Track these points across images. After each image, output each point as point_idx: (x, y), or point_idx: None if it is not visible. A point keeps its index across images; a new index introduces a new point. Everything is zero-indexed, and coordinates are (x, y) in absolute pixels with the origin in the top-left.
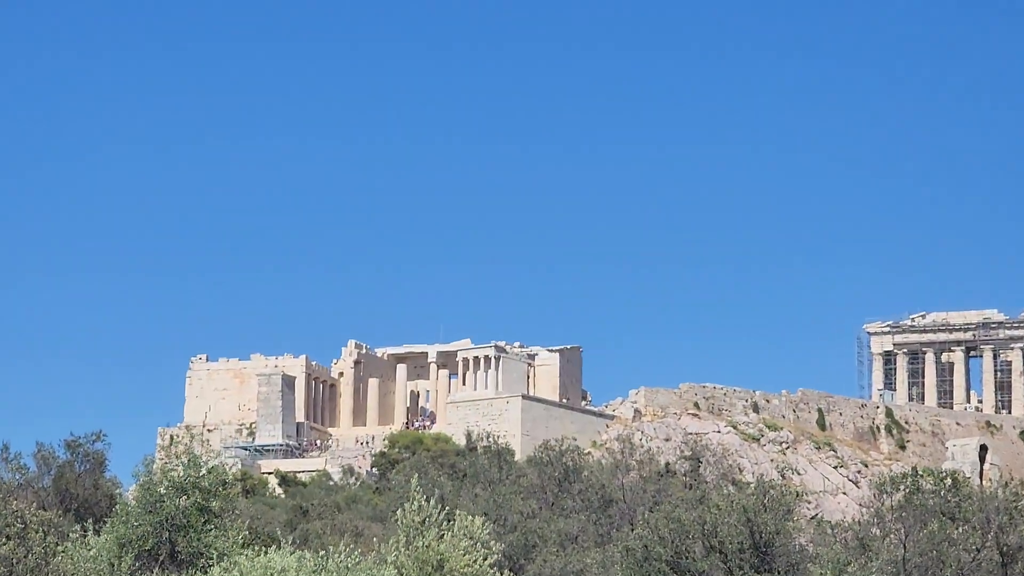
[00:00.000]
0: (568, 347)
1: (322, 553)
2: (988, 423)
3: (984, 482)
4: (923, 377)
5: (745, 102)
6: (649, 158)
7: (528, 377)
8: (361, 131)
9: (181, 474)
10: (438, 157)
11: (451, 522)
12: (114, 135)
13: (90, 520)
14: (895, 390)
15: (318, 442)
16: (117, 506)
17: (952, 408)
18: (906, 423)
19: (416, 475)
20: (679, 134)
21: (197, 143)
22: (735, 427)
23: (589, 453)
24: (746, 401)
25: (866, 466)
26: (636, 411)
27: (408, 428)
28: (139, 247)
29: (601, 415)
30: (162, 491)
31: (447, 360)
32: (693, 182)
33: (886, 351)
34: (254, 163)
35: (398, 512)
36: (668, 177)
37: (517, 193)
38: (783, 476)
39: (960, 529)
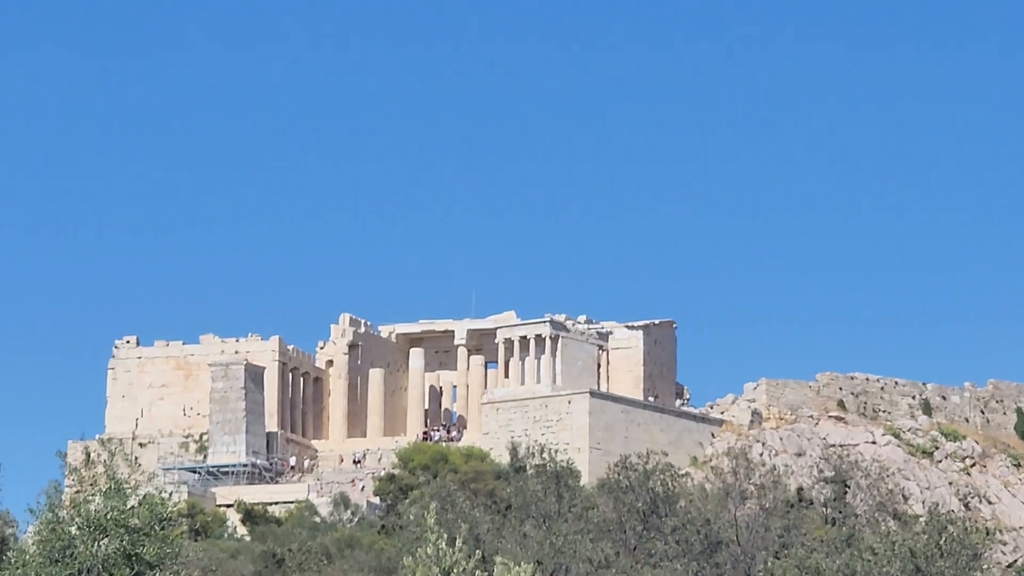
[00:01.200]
0: (656, 322)
1: None
2: None
3: None
4: None
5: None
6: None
7: (599, 366)
8: (362, 29)
9: (101, 507)
10: (465, 62)
11: (488, 572)
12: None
13: None
14: None
15: (294, 460)
16: (11, 553)
17: None
18: None
19: (434, 506)
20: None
21: (130, 47)
22: (897, 436)
23: (687, 474)
24: (913, 398)
25: None
26: (755, 413)
27: (427, 440)
28: (43, 192)
29: (704, 419)
30: (74, 531)
31: (482, 342)
32: (839, 101)
33: None
34: (208, 73)
35: (406, 560)
36: (802, 93)
37: (577, 109)
38: (967, 506)
39: None
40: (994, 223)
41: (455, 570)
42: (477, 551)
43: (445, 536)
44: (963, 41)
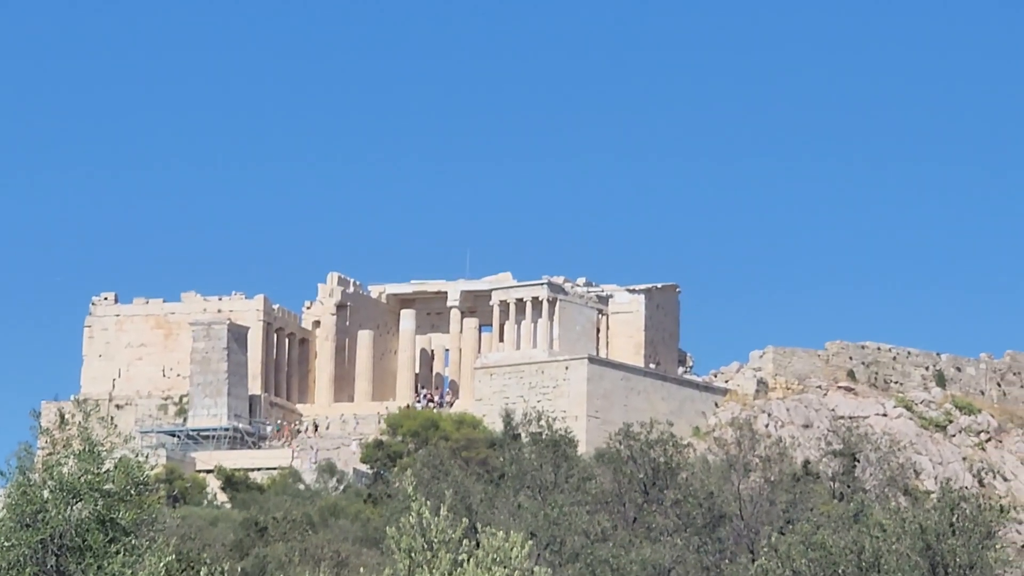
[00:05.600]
0: (659, 286)
1: None
2: None
3: None
4: None
5: None
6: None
7: (599, 331)
8: None
9: (74, 471)
10: (459, 13)
11: (476, 544)
12: None
13: None
14: None
15: (281, 425)
16: None
17: None
18: None
19: (411, 473)
20: None
21: None
22: (909, 408)
23: (689, 445)
24: (927, 369)
25: None
26: (760, 382)
27: (417, 405)
28: (18, 142)
29: (708, 388)
30: (46, 495)
31: (476, 304)
32: (850, 51)
33: None
34: (201, 22)
35: (390, 530)
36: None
37: (574, 63)
38: (981, 482)
39: None
40: (1018, 189)
41: (440, 540)
42: (465, 520)
43: (428, 505)
44: None
